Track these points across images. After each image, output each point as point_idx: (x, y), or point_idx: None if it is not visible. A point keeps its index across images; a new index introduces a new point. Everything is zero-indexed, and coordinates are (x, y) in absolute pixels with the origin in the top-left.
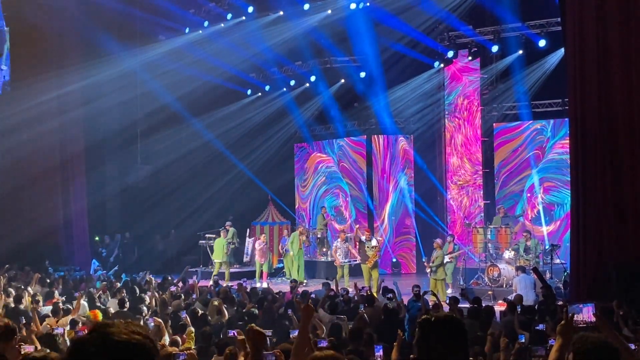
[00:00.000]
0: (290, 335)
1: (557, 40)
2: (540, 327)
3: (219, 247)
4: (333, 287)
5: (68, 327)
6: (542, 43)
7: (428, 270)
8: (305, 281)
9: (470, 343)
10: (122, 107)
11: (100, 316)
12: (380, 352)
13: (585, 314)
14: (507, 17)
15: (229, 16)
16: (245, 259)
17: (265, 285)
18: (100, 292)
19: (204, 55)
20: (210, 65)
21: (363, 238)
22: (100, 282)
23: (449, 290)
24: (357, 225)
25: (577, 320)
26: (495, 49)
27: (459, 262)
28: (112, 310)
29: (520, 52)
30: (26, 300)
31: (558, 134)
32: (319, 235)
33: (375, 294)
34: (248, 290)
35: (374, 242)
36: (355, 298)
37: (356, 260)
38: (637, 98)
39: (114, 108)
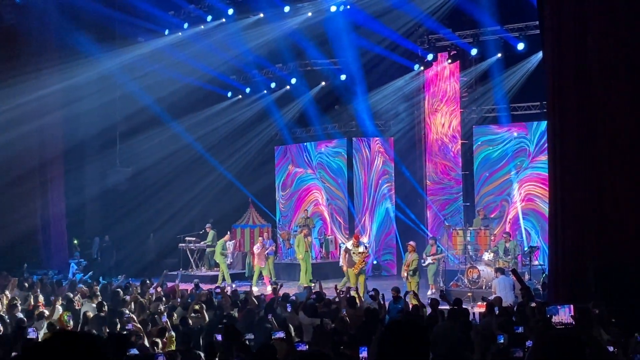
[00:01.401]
0: (273, 337)
1: (535, 43)
2: (519, 329)
3: (218, 249)
4: (317, 289)
5: (45, 331)
6: (520, 46)
7: (404, 275)
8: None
9: (452, 345)
10: (101, 109)
11: (65, 319)
12: (365, 354)
13: (563, 315)
14: (486, 20)
15: (209, 18)
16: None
17: (269, 289)
18: (79, 295)
19: (184, 58)
20: (191, 67)
21: (349, 244)
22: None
23: (429, 292)
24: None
25: (555, 322)
26: (474, 52)
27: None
28: (90, 314)
29: (499, 55)
30: (1, 304)
31: (537, 136)
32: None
33: (361, 298)
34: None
35: (361, 249)
36: (337, 300)
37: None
38: (615, 100)
39: (93, 110)
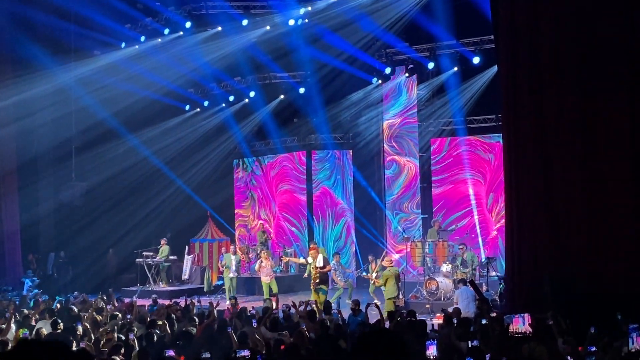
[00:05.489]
0: (238, 355)
1: (491, 57)
2: (475, 343)
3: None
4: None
5: None
6: (476, 60)
7: (372, 289)
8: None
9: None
10: (56, 123)
11: (21, 337)
12: None
13: (516, 324)
14: (442, 34)
15: (166, 31)
16: (184, 277)
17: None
18: (37, 314)
19: (141, 71)
20: (148, 80)
21: (309, 258)
22: (35, 302)
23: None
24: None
25: (512, 331)
26: (431, 65)
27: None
28: (44, 331)
29: (455, 68)
30: None
31: (494, 149)
32: (258, 251)
33: (320, 311)
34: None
35: (317, 262)
36: (297, 314)
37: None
38: (567, 113)
39: (48, 124)
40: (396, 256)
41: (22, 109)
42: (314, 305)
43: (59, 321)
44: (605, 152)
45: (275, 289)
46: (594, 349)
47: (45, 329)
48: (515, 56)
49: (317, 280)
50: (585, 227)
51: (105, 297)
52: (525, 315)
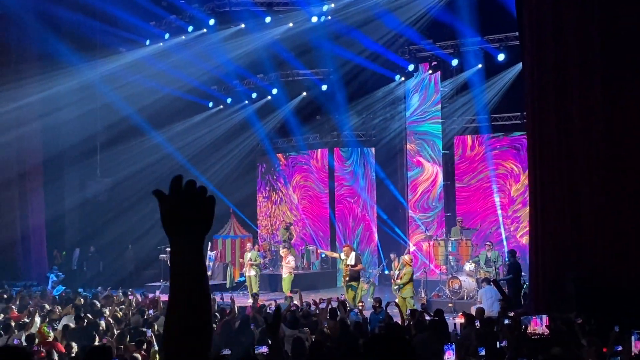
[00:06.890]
0: (256, 351)
1: (515, 54)
2: (504, 343)
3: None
4: (296, 301)
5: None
6: (501, 57)
7: (395, 287)
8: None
9: (432, 356)
10: (81, 119)
11: (45, 330)
12: None
13: (535, 325)
14: (466, 31)
15: (190, 28)
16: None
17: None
18: (59, 307)
19: (165, 68)
20: (172, 77)
21: (342, 255)
22: (60, 297)
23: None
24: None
25: (529, 332)
26: (455, 62)
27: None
28: (72, 325)
29: (480, 65)
30: None
31: (519, 147)
32: (279, 250)
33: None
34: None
35: (349, 260)
36: (317, 312)
37: None
38: (592, 110)
39: (73, 120)
40: (412, 248)
41: (47, 105)
42: (334, 303)
43: (82, 315)
44: (628, 144)
45: (286, 287)
46: (620, 348)
47: (71, 324)
48: (541, 51)
49: (347, 278)
50: (608, 223)
51: (129, 293)
52: (544, 316)
